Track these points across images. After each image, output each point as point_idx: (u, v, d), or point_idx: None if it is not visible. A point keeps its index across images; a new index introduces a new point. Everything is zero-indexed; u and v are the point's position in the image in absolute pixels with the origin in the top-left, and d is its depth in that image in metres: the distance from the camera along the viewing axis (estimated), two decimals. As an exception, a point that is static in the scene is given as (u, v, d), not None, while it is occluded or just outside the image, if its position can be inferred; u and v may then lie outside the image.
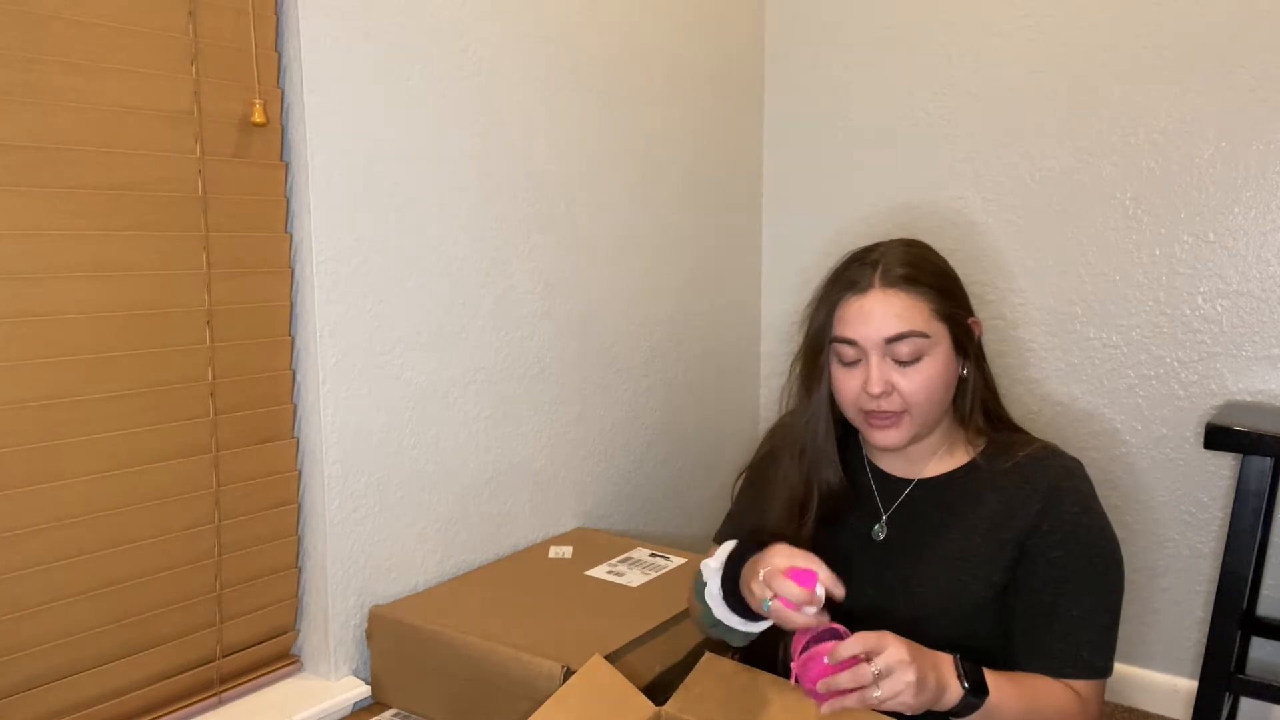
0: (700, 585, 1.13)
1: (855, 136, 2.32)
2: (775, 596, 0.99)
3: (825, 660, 0.96)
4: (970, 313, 1.17)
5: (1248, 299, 1.90)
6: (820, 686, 0.96)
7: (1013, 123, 2.10)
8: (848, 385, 1.14)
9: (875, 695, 0.93)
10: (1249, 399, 1.91)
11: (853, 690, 0.94)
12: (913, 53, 2.21)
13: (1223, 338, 1.93)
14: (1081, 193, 2.04)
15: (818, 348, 1.17)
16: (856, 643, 0.95)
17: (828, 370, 1.17)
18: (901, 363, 1.10)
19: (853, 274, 1.14)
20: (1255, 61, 1.84)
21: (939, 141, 2.20)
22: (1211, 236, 1.92)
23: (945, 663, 1.00)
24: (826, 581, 0.98)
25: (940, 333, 1.12)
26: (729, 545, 1.13)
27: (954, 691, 0.98)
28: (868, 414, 1.13)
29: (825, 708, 0.96)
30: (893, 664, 0.93)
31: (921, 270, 1.13)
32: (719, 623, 1.11)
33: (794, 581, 0.98)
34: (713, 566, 1.11)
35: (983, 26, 2.12)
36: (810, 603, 0.98)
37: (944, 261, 1.18)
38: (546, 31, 1.77)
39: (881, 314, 1.10)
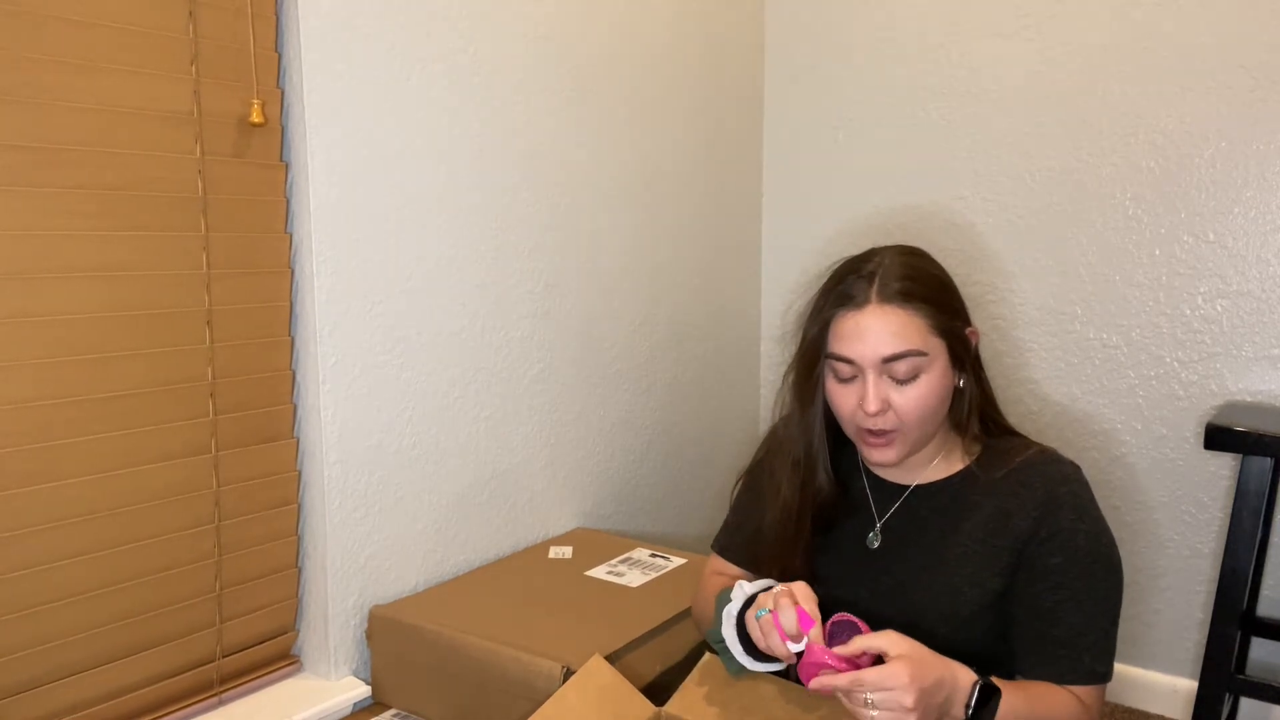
0: (724, 599, 1.13)
1: (855, 136, 2.32)
2: (773, 611, 1.02)
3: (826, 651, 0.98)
4: (967, 322, 1.15)
5: (1248, 299, 1.90)
6: (813, 685, 0.98)
7: (1013, 123, 2.10)
8: (844, 402, 1.13)
9: (873, 715, 0.94)
10: (1249, 399, 1.91)
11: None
12: (913, 53, 2.21)
13: (1223, 338, 1.93)
14: (1081, 193, 2.04)
15: (812, 361, 1.16)
16: (868, 642, 0.97)
17: (822, 383, 1.16)
18: (898, 380, 1.09)
19: (848, 287, 1.11)
20: (1255, 61, 1.84)
21: (939, 141, 2.20)
22: (1211, 236, 1.92)
23: (959, 689, 0.99)
24: (815, 637, 1.00)
25: (938, 349, 1.10)
26: (770, 582, 1.13)
27: (956, 716, 0.99)
28: (863, 431, 1.13)
29: (812, 684, 0.99)
30: (890, 700, 0.94)
31: (918, 283, 1.10)
32: (722, 640, 1.11)
33: (798, 616, 1.01)
34: (747, 589, 1.10)
35: (982, 27, 2.12)
36: (796, 638, 1.01)
37: (941, 270, 1.16)
38: (546, 32, 1.77)
39: (878, 332, 1.08)
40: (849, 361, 1.10)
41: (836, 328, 1.11)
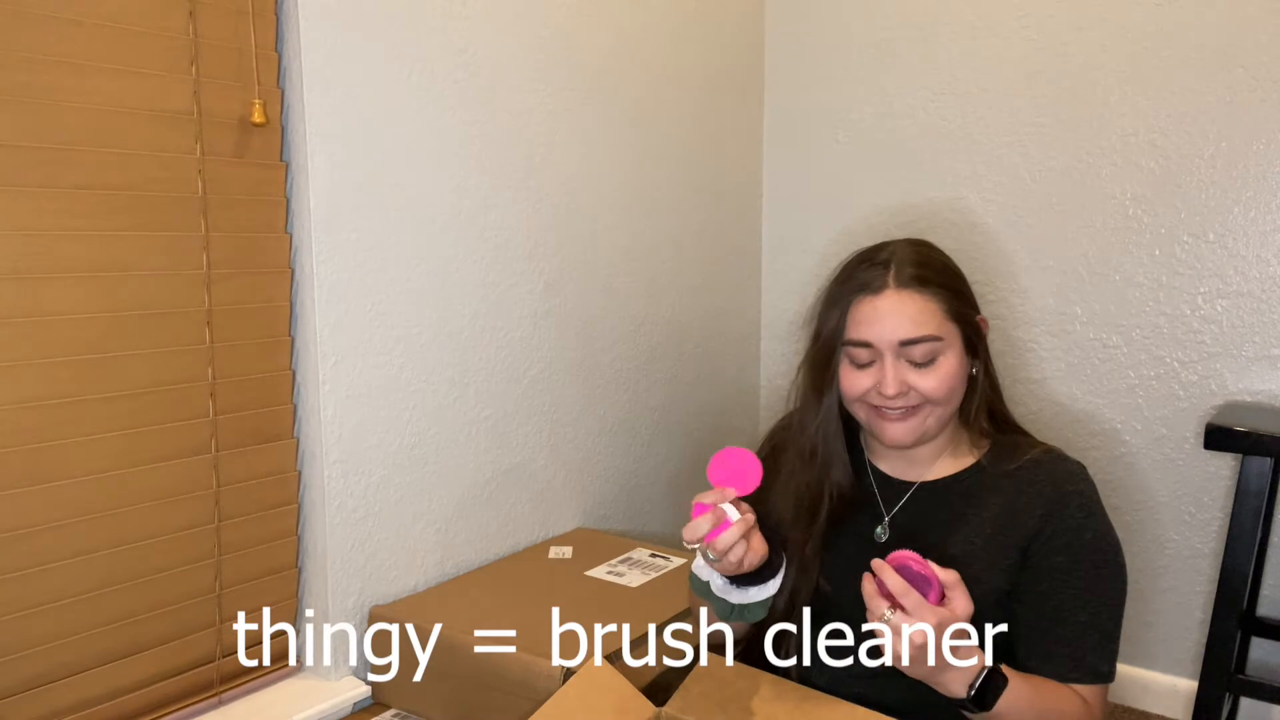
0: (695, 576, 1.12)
1: (855, 137, 2.32)
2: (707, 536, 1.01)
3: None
4: (977, 310, 1.18)
5: (1248, 299, 1.90)
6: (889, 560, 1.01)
7: (1013, 123, 2.10)
8: (857, 384, 1.13)
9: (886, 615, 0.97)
10: (1249, 399, 1.91)
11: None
12: (913, 53, 2.21)
13: (1223, 338, 1.93)
14: (1081, 193, 2.04)
15: (829, 351, 1.16)
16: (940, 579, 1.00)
17: (838, 372, 1.17)
18: (916, 364, 1.10)
19: (865, 275, 1.13)
20: (1255, 61, 1.84)
21: (939, 141, 2.20)
22: (1211, 236, 1.92)
23: (967, 671, 0.99)
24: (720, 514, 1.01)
25: (953, 334, 1.12)
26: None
27: (953, 694, 0.99)
28: (877, 408, 1.13)
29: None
30: (901, 646, 0.96)
31: (932, 269, 1.13)
32: (705, 585, 1.09)
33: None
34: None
35: (982, 27, 2.12)
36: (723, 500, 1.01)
37: (950, 260, 1.18)
38: (546, 32, 1.77)
39: (896, 316, 1.10)
40: (867, 345, 1.11)
41: (854, 314, 1.13)
